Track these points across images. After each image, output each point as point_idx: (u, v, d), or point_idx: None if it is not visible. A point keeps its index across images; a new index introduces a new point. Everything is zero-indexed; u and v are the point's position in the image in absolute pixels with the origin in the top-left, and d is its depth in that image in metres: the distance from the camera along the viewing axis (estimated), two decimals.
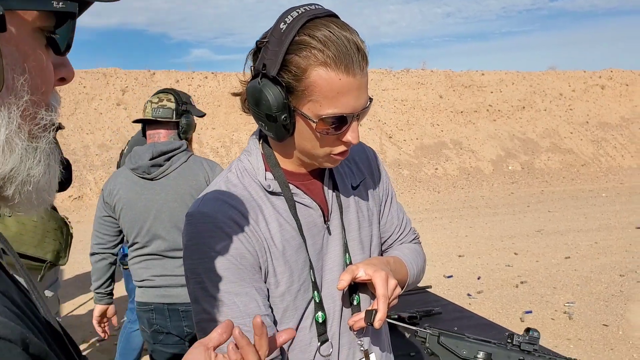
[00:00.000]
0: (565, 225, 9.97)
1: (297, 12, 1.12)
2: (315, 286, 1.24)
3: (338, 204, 1.32)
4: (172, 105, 2.79)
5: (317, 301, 1.24)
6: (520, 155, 17.73)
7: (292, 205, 1.24)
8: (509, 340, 1.12)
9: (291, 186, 1.26)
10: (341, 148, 1.19)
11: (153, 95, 2.85)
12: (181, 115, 2.81)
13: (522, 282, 6.51)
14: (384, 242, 1.48)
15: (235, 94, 1.29)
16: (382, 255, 1.46)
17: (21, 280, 0.65)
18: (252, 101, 1.17)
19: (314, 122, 1.13)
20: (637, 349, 4.65)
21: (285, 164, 1.27)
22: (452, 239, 8.99)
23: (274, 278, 1.20)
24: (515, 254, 7.91)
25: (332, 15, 1.14)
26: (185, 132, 2.83)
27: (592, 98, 20.87)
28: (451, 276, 6.84)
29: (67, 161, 3.34)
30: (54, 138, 0.61)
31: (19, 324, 0.49)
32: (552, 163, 17.61)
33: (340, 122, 1.14)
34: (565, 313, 5.50)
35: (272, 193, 1.24)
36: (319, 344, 1.24)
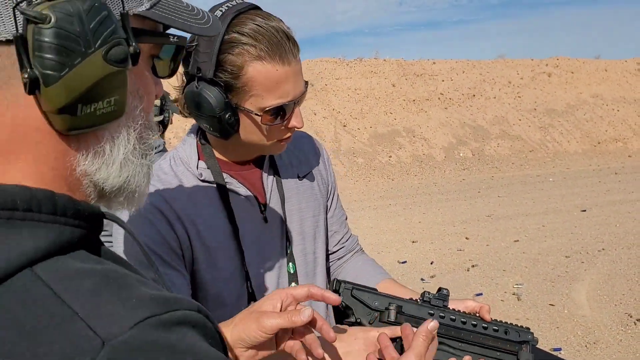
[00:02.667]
0: (514, 209, 10.26)
1: (221, 11, 1.12)
2: (247, 276, 1.24)
3: (279, 193, 1.32)
4: (157, 101, 2.75)
5: (250, 291, 1.24)
6: (471, 142, 18.10)
7: (224, 194, 1.23)
8: (421, 297, 1.17)
9: (225, 175, 1.25)
10: (287, 134, 1.21)
11: None
12: (163, 111, 2.75)
13: (473, 266, 6.70)
14: (332, 235, 1.50)
15: (173, 101, 1.30)
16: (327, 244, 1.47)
17: None
18: (192, 105, 1.17)
19: (258, 115, 1.14)
20: (581, 327, 4.86)
21: (224, 155, 1.27)
22: (406, 225, 9.14)
23: (202, 265, 1.20)
24: (467, 238, 8.11)
25: (255, 8, 1.16)
26: (165, 128, 2.77)
27: (540, 86, 21.43)
28: (405, 262, 6.98)
29: None
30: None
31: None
32: (502, 149, 18.04)
33: (284, 111, 1.16)
34: (514, 294, 5.69)
35: (204, 181, 1.23)
36: None
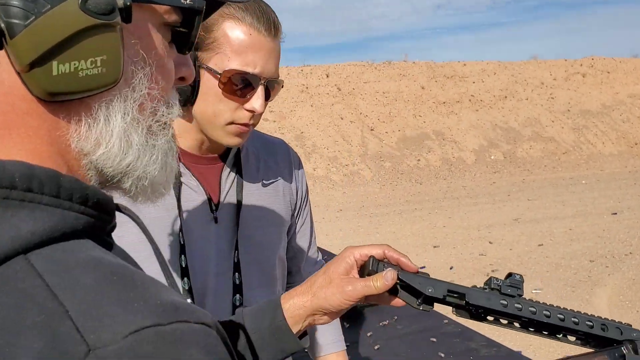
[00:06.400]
0: (542, 213, 10.05)
1: None
2: (186, 272, 1.18)
3: (237, 196, 1.25)
4: None
5: (187, 288, 1.19)
6: (503, 144, 17.82)
7: (176, 183, 1.18)
8: (486, 284, 0.96)
9: (181, 165, 1.20)
10: (244, 117, 1.13)
11: None
12: None
13: (493, 271, 6.58)
14: (291, 250, 1.43)
15: None
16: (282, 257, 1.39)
17: None
18: None
19: (219, 74, 1.09)
20: None
21: (184, 142, 1.20)
22: (430, 230, 9.04)
23: (138, 254, 1.16)
24: (490, 242, 7.97)
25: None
26: None
27: (574, 86, 20.98)
28: (423, 267, 6.89)
29: None
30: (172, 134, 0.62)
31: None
32: (534, 152, 17.72)
33: (247, 84, 1.11)
34: None
35: None
36: None
